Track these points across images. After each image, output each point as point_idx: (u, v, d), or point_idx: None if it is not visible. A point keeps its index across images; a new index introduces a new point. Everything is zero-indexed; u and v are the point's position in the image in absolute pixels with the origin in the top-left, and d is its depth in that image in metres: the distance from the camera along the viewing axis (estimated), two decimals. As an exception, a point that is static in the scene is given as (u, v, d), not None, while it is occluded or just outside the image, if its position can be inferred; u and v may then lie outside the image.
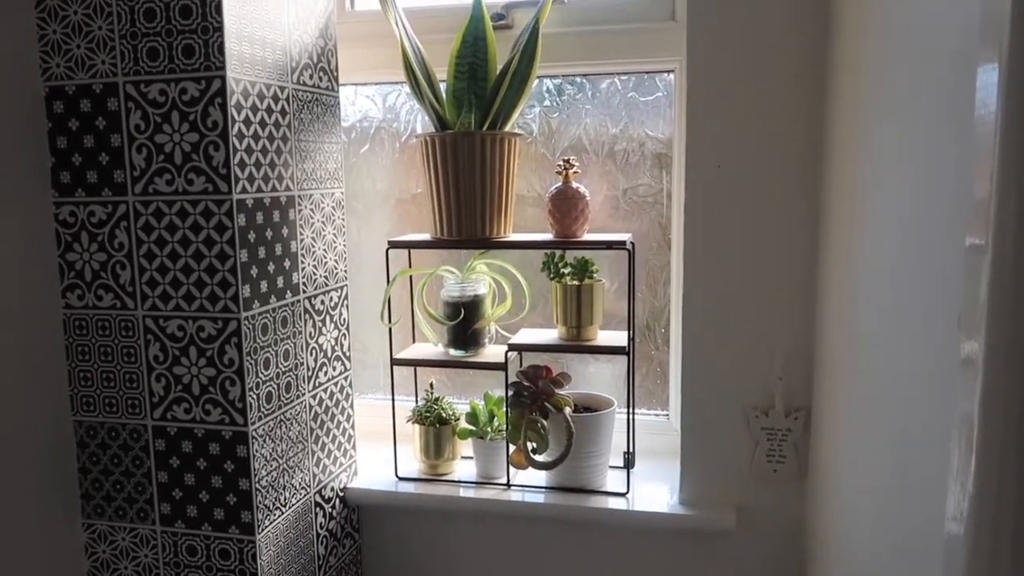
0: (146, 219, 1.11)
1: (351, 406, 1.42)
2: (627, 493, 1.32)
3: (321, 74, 1.28)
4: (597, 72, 1.41)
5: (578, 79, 1.43)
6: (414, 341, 1.48)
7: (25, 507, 1.15)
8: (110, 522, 1.21)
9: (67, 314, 1.17)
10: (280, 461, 1.20)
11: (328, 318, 1.33)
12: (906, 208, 0.77)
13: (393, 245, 1.36)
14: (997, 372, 0.51)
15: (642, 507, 1.29)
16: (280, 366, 1.19)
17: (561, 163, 1.32)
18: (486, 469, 1.40)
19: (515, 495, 1.34)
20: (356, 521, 1.45)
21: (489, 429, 1.39)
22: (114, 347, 1.16)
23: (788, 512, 1.26)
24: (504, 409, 1.35)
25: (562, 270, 1.33)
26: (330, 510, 1.35)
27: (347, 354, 1.40)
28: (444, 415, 1.40)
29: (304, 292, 1.25)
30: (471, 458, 1.43)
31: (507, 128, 1.31)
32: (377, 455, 1.49)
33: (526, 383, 1.31)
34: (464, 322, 1.36)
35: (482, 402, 1.42)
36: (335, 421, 1.36)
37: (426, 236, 1.38)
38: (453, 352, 1.39)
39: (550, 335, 1.36)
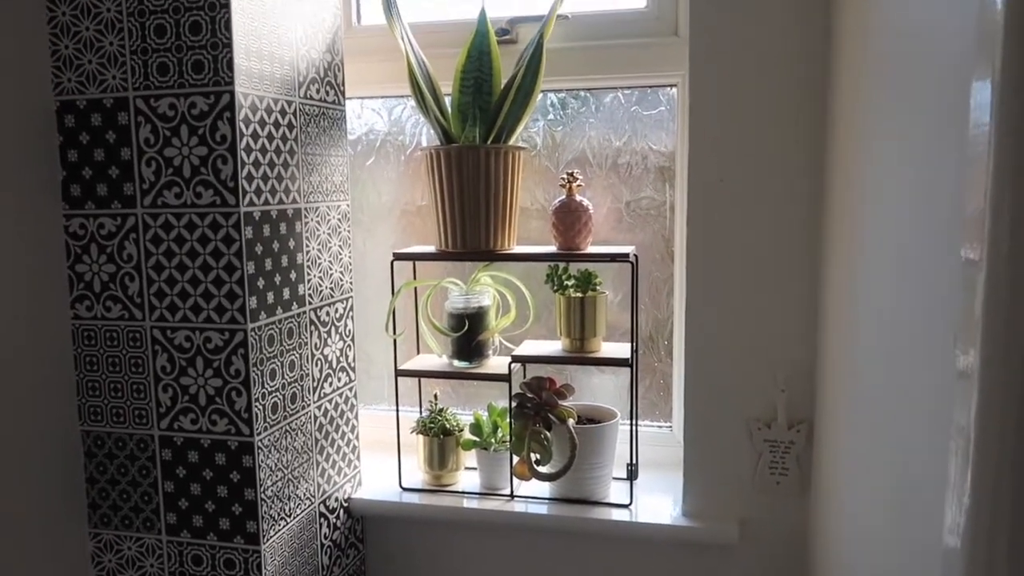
0: (155, 231, 1.13)
1: (356, 417, 1.43)
2: (630, 505, 1.32)
3: (328, 88, 1.30)
4: (601, 86, 1.43)
5: (582, 93, 1.45)
6: (418, 352, 1.49)
7: (32, 516, 1.16)
8: (116, 531, 1.22)
9: (76, 325, 1.18)
10: (285, 471, 1.21)
11: (333, 329, 1.34)
12: (905, 221, 0.77)
13: (398, 257, 1.37)
14: (992, 384, 0.51)
15: (645, 519, 1.29)
16: (286, 377, 1.20)
17: (565, 176, 1.33)
18: (490, 480, 1.40)
19: (518, 506, 1.35)
20: (360, 531, 1.45)
21: (493, 440, 1.40)
22: (122, 357, 1.17)
23: (791, 524, 1.26)
24: (508, 420, 1.35)
25: (566, 282, 1.34)
26: (334, 520, 1.36)
27: (352, 365, 1.41)
28: (448, 426, 1.41)
29: (310, 304, 1.26)
30: (475, 469, 1.43)
31: (511, 141, 1.32)
32: (381, 466, 1.49)
33: (530, 394, 1.31)
34: (468, 334, 1.37)
35: (486, 413, 1.42)
36: (340, 432, 1.37)
37: (431, 248, 1.39)
38: (457, 363, 1.39)
39: (554, 347, 1.37)
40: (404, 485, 1.42)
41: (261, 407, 1.14)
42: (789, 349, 1.22)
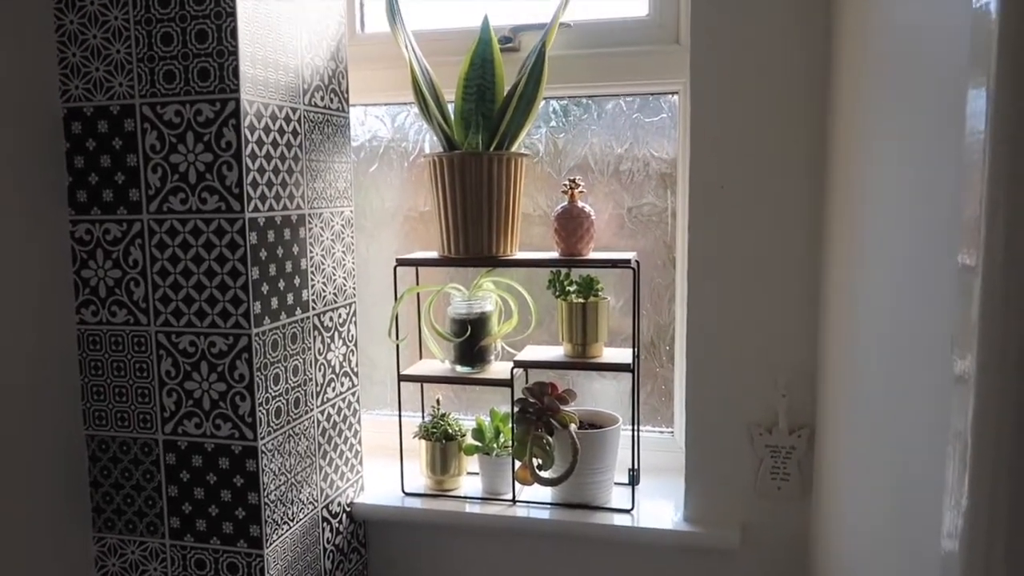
0: (160, 237, 1.13)
1: (358, 422, 1.43)
2: (632, 510, 1.33)
3: (332, 95, 1.31)
4: (603, 94, 1.44)
5: (584, 100, 1.46)
6: (421, 357, 1.50)
7: (36, 519, 1.16)
8: (120, 535, 1.22)
9: (81, 330, 1.19)
10: (288, 476, 1.21)
11: (337, 334, 1.35)
12: (905, 224, 0.78)
13: (401, 263, 1.38)
14: (989, 389, 0.52)
15: (647, 524, 1.30)
16: (289, 382, 1.21)
17: (567, 182, 1.34)
18: (492, 485, 1.40)
19: (520, 511, 1.35)
20: (363, 536, 1.46)
21: (495, 445, 1.40)
22: (127, 362, 1.18)
23: (792, 529, 1.26)
24: (510, 425, 1.36)
25: (568, 288, 1.34)
26: (337, 525, 1.36)
27: (355, 370, 1.41)
28: (450, 431, 1.42)
29: (313, 309, 1.27)
30: (477, 474, 1.44)
31: (514, 148, 1.33)
32: (384, 470, 1.50)
33: (532, 400, 1.32)
34: (471, 339, 1.38)
35: (488, 418, 1.43)
36: (343, 436, 1.38)
37: (433, 254, 1.40)
38: (460, 369, 1.40)
39: (555, 352, 1.38)
40: (406, 490, 1.42)
41: (265, 412, 1.15)
42: (790, 354, 1.23)
